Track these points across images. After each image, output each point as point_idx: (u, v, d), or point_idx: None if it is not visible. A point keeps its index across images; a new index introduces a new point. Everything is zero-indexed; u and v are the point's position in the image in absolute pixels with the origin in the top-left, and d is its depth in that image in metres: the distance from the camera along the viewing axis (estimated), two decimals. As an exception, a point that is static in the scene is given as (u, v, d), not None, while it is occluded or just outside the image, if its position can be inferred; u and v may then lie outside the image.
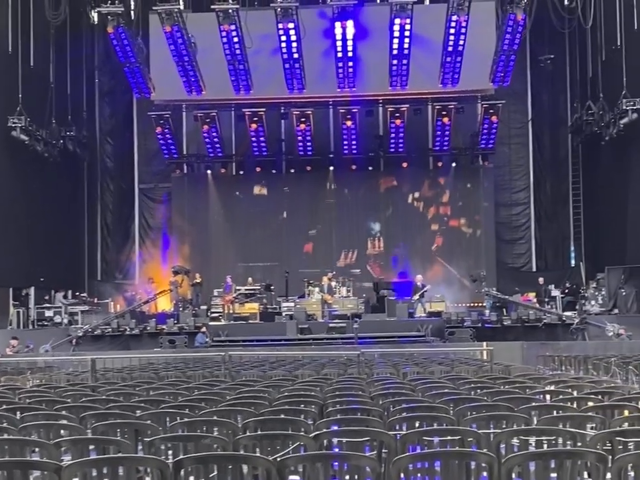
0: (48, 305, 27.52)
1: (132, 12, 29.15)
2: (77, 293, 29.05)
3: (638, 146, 26.10)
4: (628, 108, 25.81)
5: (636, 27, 25.84)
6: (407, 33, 26.36)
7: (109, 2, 26.97)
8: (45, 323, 26.78)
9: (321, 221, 32.00)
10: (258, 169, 31.96)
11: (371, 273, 31.39)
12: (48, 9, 26.18)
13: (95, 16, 30.72)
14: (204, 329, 24.50)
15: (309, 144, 30.88)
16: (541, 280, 28.61)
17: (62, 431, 7.36)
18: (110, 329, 25.57)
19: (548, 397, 9.02)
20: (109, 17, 26.84)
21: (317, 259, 31.60)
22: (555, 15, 26.93)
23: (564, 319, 24.83)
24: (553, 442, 6.48)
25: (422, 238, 31.84)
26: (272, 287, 28.62)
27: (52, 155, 28.77)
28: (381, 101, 30.88)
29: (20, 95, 26.38)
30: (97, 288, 31.37)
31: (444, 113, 30.02)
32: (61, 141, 29.45)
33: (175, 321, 25.86)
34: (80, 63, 31.13)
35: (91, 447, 6.49)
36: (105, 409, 8.43)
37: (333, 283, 27.64)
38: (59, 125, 29.20)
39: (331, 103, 31.01)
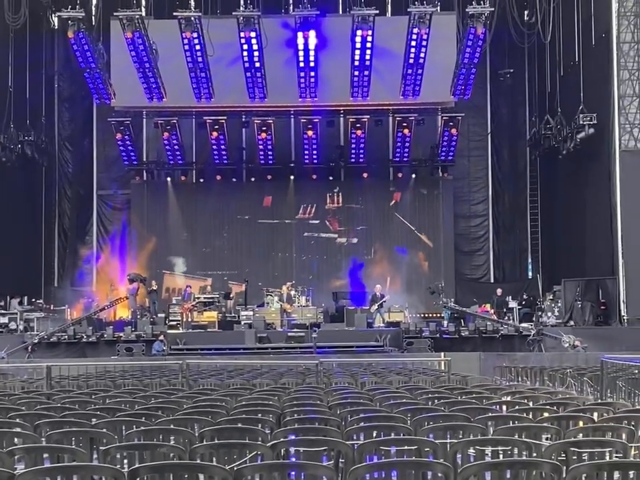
0: (3, 312, 27.07)
1: (93, 17, 28.97)
2: (33, 299, 28.62)
3: (594, 160, 26.47)
4: (585, 123, 26.19)
5: (593, 44, 26.26)
6: (368, 45, 26.52)
7: (70, 7, 26.74)
8: (0, 330, 26.39)
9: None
10: (218, 177, 31.87)
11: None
12: (7, 12, 25.91)
13: (55, 20, 30.50)
14: (161, 337, 24.33)
15: (270, 153, 30.88)
16: (499, 291, 28.84)
17: (15, 439, 7.27)
18: (66, 336, 25.25)
19: (504, 407, 9.08)
20: (69, 21, 26.60)
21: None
22: (515, 30, 27.30)
23: (521, 330, 25.03)
24: (509, 452, 6.53)
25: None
26: (231, 296, 28.54)
27: (9, 159, 28.42)
28: (342, 112, 31.01)
29: (-23, 99, 26.09)
30: (53, 294, 30.98)
31: (404, 124, 30.22)
32: (19, 146, 29.11)
33: (133, 329, 25.63)
34: (39, 68, 30.81)
35: (45, 455, 6.42)
36: (60, 417, 8.33)
37: (292, 292, 27.66)
38: (17, 129, 28.86)
39: (292, 112, 31.05)
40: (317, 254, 31.78)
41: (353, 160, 31.32)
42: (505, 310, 27.69)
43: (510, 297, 28.49)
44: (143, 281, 28.82)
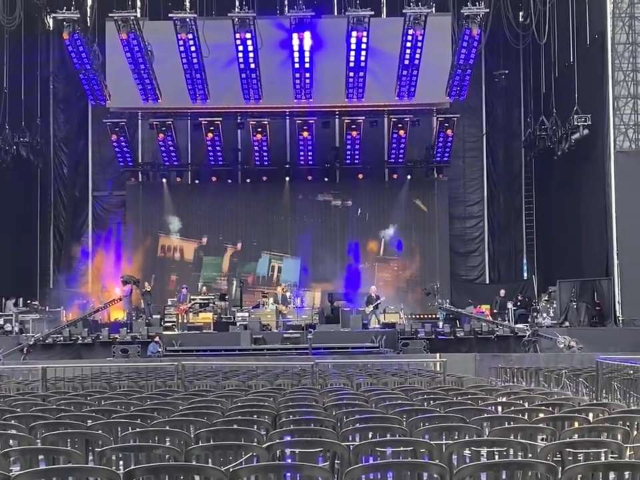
0: (-2, 313, 27.08)
1: (88, 18, 28.90)
2: (29, 301, 28.55)
3: (589, 161, 26.50)
4: (579, 124, 26.21)
5: (588, 45, 26.31)
6: (363, 46, 26.51)
7: (65, 8, 26.70)
8: (-5, 331, 26.34)
9: (277, 233, 32.06)
10: (214, 179, 31.87)
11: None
12: (2, 13, 25.85)
13: (50, 21, 30.46)
14: (157, 338, 24.31)
15: (265, 154, 30.88)
16: (502, 292, 28.82)
17: (11, 441, 7.26)
18: (61, 338, 25.22)
19: (500, 408, 9.08)
20: (64, 22, 26.54)
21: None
22: (510, 31, 27.30)
23: (516, 331, 25.06)
24: (504, 453, 6.53)
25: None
26: (226, 297, 28.54)
27: (5, 161, 28.40)
28: (337, 113, 31.02)
29: (-28, 100, 26.05)
30: (48, 295, 30.91)
31: (400, 125, 30.24)
32: (14, 147, 29.07)
33: (128, 330, 25.61)
34: (34, 69, 30.75)
35: (41, 457, 6.41)
36: (55, 418, 8.32)
37: (288, 294, 27.66)
38: (13, 130, 28.83)
39: (287, 113, 31.05)
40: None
41: (348, 161, 31.33)
42: (506, 311, 27.71)
43: (505, 298, 28.51)
44: (136, 283, 28.79)
